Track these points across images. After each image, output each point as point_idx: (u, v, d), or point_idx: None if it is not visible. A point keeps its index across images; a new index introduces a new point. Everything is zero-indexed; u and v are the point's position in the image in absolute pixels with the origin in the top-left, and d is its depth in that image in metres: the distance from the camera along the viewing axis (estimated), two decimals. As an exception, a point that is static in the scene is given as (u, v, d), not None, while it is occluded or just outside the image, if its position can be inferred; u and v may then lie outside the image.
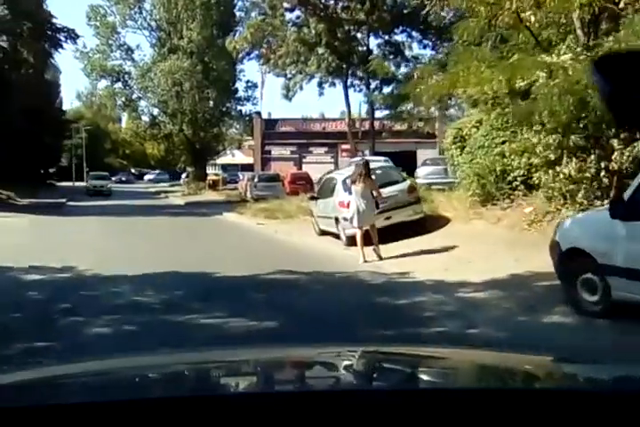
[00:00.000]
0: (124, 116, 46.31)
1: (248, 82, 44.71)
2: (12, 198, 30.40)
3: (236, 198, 30.94)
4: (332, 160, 37.98)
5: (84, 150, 65.52)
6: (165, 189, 45.03)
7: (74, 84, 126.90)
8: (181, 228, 17.72)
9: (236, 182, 44.56)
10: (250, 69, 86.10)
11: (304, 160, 38.12)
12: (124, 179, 65.71)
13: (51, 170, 64.17)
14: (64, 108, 71.55)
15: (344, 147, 37.88)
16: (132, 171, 79.30)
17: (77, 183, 57.37)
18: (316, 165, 37.15)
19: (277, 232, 15.37)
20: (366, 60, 24.67)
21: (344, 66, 24.86)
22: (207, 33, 38.85)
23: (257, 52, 29.64)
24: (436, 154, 36.65)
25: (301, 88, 26.74)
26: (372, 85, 27.10)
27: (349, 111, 27.69)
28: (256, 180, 29.34)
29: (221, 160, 63.95)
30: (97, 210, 26.07)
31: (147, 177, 68.34)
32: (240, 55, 42.64)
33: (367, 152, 35.62)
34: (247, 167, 65.55)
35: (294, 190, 29.61)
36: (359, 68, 26.10)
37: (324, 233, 13.68)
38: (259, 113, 38.45)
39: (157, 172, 70.56)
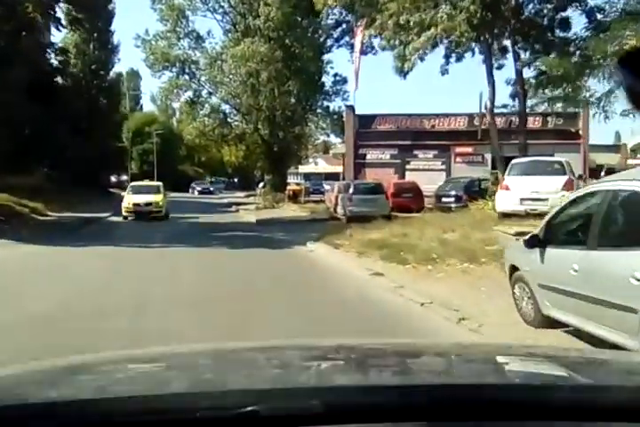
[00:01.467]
0: (185, 115, 38.94)
1: (336, 76, 37.21)
2: (36, 212, 23.95)
3: (322, 215, 23.31)
4: (444, 167, 29.80)
5: (154, 156, 60.42)
6: (238, 201, 38.09)
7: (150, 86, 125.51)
8: (237, 282, 9.40)
9: (321, 193, 37.40)
10: (339, 60, 76.47)
11: (407, 166, 30.08)
12: (199, 189, 58.86)
13: (122, 177, 59.75)
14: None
15: (459, 150, 29.63)
16: (209, 179, 74.12)
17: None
18: (423, 173, 29.12)
19: (461, 321, 6.52)
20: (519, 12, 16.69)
21: (490, 19, 16.46)
22: (288, 9, 31.56)
23: (351, 19, 22.04)
24: (579, 159, 28.13)
25: (422, 59, 18.72)
26: (525, 55, 18.66)
27: (493, 92, 19.37)
28: (351, 191, 21.60)
29: (303, 169, 56.93)
30: (134, 231, 19.12)
31: (196, 187, 59.67)
32: (328, 41, 35.35)
33: (488, 157, 27.46)
34: (332, 177, 58.71)
35: (398, 205, 21.76)
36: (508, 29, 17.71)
37: (552, 322, 5.70)
38: (351, 107, 30.73)
39: (211, 180, 63.51)
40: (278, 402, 1.16)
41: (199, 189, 58.68)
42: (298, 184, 38.11)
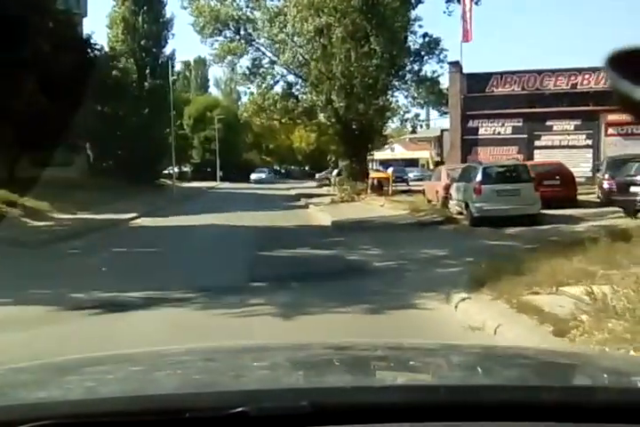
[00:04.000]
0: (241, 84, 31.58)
1: (426, 36, 29.18)
2: (33, 214, 17.50)
3: (430, 215, 15.69)
4: (590, 142, 21.53)
5: (217, 144, 54.42)
6: (309, 192, 30.96)
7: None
8: None
9: (403, 181, 29.82)
10: (429, 16, 66.03)
11: (536, 143, 21.95)
12: (253, 178, 51.91)
13: (183, 167, 54.13)
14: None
15: (612, 118, 21.21)
16: (277, 168, 67.74)
17: (204, 183, 45.98)
18: (559, 151, 21.01)
19: None
20: None
21: None
22: None
23: None
24: None
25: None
26: None
27: None
28: (479, 178, 13.86)
29: (378, 155, 49.29)
30: (156, 240, 12.33)
31: (253, 176, 53.17)
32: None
33: None
34: (410, 163, 50.96)
35: (541, 197, 13.93)
36: None
37: None
38: (457, 64, 22.78)
39: (264, 169, 56.18)
40: (267, 403, 1.15)
41: (253, 178, 51.70)
42: (377, 171, 30.58)
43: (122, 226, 17.47)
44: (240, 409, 1.10)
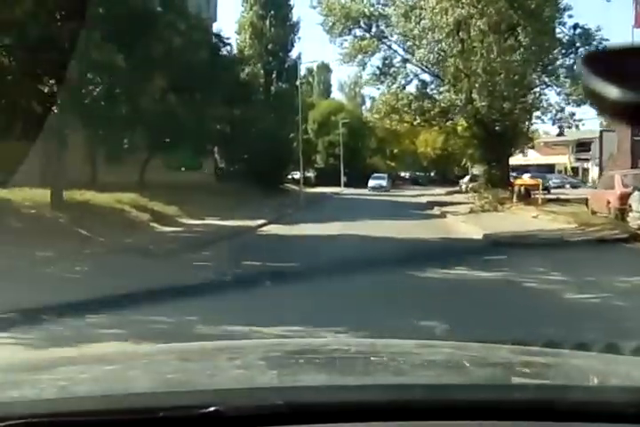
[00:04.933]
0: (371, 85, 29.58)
1: (576, 27, 26.15)
2: (162, 220, 16.78)
3: (607, 230, 13.13)
4: None
5: (341, 149, 53.45)
6: (440, 200, 28.81)
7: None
8: None
9: (544, 189, 26.69)
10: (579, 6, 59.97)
11: None
12: (371, 184, 48.76)
13: (307, 172, 53.24)
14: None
15: None
16: (400, 174, 65.66)
17: (328, 189, 44.95)
18: None
19: None
20: None
21: None
22: None
23: None
24: None
25: None
26: None
27: None
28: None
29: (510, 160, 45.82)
30: (289, 252, 10.91)
31: (371, 183, 49.51)
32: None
33: None
34: (546, 170, 47.12)
35: None
36: None
37: None
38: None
39: (382, 175, 52.75)
40: (242, 401, 1.15)
41: (371, 185, 49.00)
42: (517, 177, 27.80)
43: (251, 234, 16.29)
44: (214, 408, 1.09)
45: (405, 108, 26.41)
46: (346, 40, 27.92)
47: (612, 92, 0.98)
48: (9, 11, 9.09)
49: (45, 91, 10.83)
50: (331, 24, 28.05)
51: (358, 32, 27.83)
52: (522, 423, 1.12)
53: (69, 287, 7.73)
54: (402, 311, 6.21)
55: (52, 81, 10.94)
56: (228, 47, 21.99)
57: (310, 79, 75.21)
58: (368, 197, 35.39)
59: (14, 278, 7.90)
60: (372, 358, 1.72)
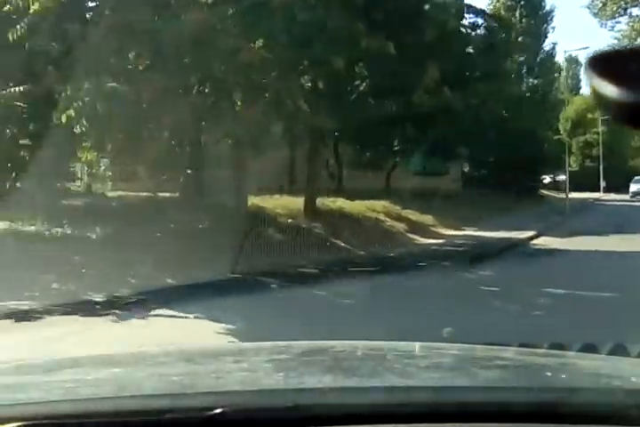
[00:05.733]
0: None
1: None
2: (419, 230, 15.17)
3: None
4: None
5: (600, 150, 48.05)
6: None
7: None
8: None
9: None
10: None
11: None
12: (633, 190, 41.83)
13: (559, 176, 48.26)
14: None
15: None
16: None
17: (585, 194, 40.11)
18: None
19: None
20: None
21: None
22: None
23: None
24: None
25: None
26: None
27: None
28: None
29: None
30: (587, 273, 8.47)
31: (633, 188, 41.66)
32: None
33: None
34: None
35: None
36: None
37: None
38: None
39: None
40: (248, 403, 1.15)
41: (633, 190, 41.70)
42: None
43: (524, 248, 13.94)
44: (220, 410, 1.08)
45: None
46: (619, 22, 24.21)
47: (615, 93, 0.99)
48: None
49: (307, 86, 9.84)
50: (600, 6, 24.50)
51: (635, 12, 23.92)
52: (528, 426, 1.11)
53: (346, 315, 6.32)
54: None
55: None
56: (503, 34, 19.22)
57: (556, 74, 69.35)
58: (634, 204, 30.51)
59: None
60: (378, 361, 1.69)
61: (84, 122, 6.69)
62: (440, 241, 14.36)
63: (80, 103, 6.71)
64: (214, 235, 10.22)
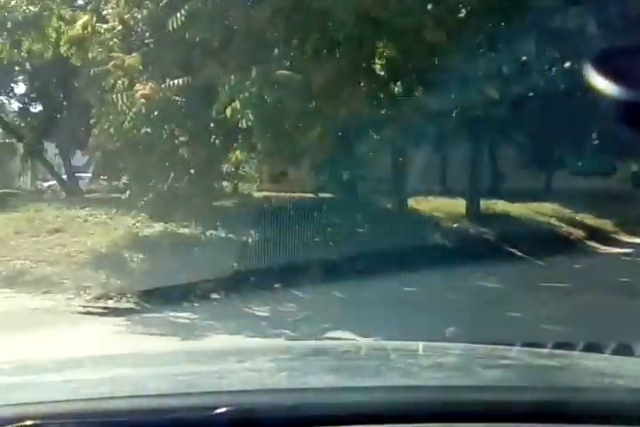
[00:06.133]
0: None
1: None
2: (600, 237, 13.29)
3: None
4: None
5: None
6: None
7: None
8: None
9: None
10: None
11: None
12: None
13: None
14: None
15: None
16: None
17: None
18: None
19: None
20: None
21: None
22: None
23: None
24: None
25: None
26: None
27: None
28: None
29: None
30: None
31: None
32: None
33: None
34: None
35: None
36: None
37: None
38: None
39: None
40: (252, 403, 1.15)
41: None
42: None
43: None
44: (224, 410, 1.09)
45: None
46: None
47: (616, 91, 1.00)
48: None
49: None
50: None
51: None
52: (531, 426, 1.11)
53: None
54: None
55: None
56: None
57: None
58: None
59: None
60: (381, 360, 1.69)
61: (250, 115, 5.91)
62: (628, 250, 12.41)
63: (246, 94, 5.94)
64: (378, 239, 9.23)
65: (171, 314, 6.49)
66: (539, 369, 1.57)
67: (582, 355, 1.78)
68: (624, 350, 1.80)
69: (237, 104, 5.96)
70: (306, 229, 9.66)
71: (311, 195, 14.93)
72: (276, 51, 6.51)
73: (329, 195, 14.08)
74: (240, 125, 6.06)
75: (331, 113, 6.21)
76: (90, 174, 24.99)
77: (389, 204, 12.85)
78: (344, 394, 1.21)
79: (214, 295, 7.26)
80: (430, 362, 1.67)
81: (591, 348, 1.84)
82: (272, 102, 5.96)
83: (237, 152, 9.01)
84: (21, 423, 1.05)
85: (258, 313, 6.61)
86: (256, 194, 13.96)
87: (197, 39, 7.23)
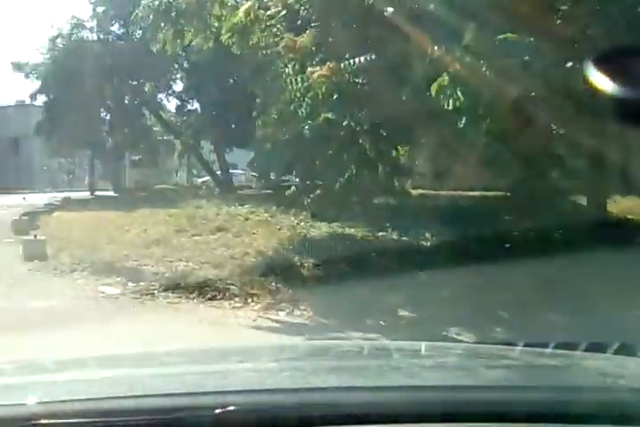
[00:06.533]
0: None
1: None
2: None
3: None
4: None
5: None
6: None
7: None
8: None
9: None
10: None
11: None
12: None
13: None
14: None
15: None
16: None
17: None
18: None
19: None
20: None
21: None
22: None
23: None
24: None
25: None
26: None
27: None
28: None
29: None
30: None
31: None
32: None
33: None
34: None
35: None
36: None
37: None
38: None
39: None
40: (254, 402, 1.15)
41: None
42: None
43: None
44: (227, 409, 1.09)
45: None
46: None
47: (617, 90, 0.98)
48: None
49: None
50: None
51: None
52: (534, 425, 1.11)
53: None
54: None
55: None
56: None
57: None
58: None
59: None
60: (384, 360, 1.68)
61: (459, 93, 4.66)
62: None
63: (458, 66, 4.70)
64: (582, 248, 7.66)
65: (354, 334, 5.44)
66: (541, 369, 1.57)
67: (584, 355, 1.76)
68: (626, 349, 1.76)
69: (446, 79, 4.73)
70: (492, 232, 8.30)
71: (469, 193, 13.52)
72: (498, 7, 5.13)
73: (492, 193, 12.65)
74: (446, 106, 4.83)
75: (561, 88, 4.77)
76: (241, 171, 25.07)
77: (575, 205, 11.21)
78: (347, 394, 1.20)
79: (400, 311, 6.14)
80: (433, 362, 1.66)
81: (593, 348, 1.80)
82: (491, 76, 4.67)
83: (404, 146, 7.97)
84: (22, 424, 1.06)
85: (460, 338, 5.39)
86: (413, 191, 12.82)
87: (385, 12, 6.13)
